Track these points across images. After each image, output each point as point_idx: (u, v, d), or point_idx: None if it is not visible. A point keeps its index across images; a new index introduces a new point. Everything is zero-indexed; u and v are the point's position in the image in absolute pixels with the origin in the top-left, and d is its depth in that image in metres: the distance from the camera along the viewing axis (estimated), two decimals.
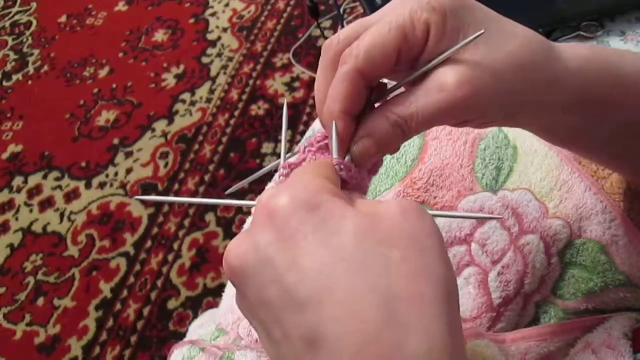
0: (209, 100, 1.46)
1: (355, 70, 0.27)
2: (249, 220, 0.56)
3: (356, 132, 0.28)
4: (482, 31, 0.26)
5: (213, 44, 1.59)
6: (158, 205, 1.28)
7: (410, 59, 0.28)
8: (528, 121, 0.31)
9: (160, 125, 1.43)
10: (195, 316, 1.11)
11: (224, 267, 0.24)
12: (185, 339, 0.48)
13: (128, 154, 1.39)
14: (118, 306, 1.16)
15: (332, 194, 0.23)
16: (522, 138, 0.46)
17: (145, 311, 1.14)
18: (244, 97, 1.45)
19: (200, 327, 0.77)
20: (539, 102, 0.29)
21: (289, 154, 0.31)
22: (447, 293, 0.22)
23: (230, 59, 1.54)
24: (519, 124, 0.31)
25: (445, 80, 0.26)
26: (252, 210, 0.27)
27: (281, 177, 0.30)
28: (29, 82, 1.63)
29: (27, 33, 1.77)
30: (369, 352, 0.20)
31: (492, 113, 0.28)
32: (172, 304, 1.14)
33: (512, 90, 0.27)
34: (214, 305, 1.09)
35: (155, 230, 1.25)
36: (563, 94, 0.29)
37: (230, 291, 0.56)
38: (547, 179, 0.43)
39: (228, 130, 1.39)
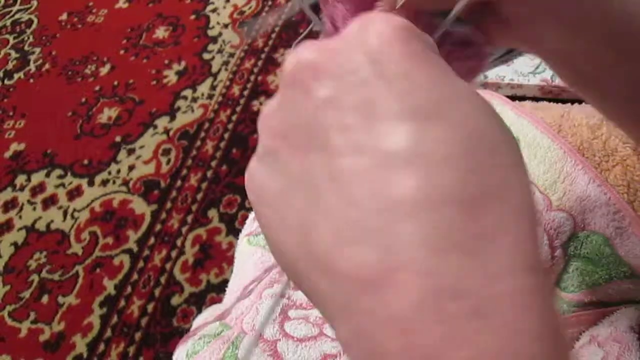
0: (210, 97, 1.46)
1: None
2: None
3: None
4: None
5: (214, 40, 1.59)
6: (160, 202, 1.28)
7: None
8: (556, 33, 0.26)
9: (162, 122, 1.43)
10: (199, 312, 1.11)
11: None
12: (189, 333, 0.48)
13: (130, 151, 1.40)
14: (122, 303, 1.16)
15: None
16: (525, 131, 0.46)
17: (149, 308, 1.14)
18: (246, 93, 1.45)
19: (204, 322, 0.77)
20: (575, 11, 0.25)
21: None
22: None
23: (231, 55, 1.54)
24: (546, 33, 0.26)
25: None
26: None
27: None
28: (31, 80, 1.63)
29: (28, 31, 1.77)
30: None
31: None
32: (175, 300, 1.14)
33: None
34: (218, 301, 1.09)
35: (158, 227, 1.25)
36: (602, 19, 0.26)
37: (232, 287, 0.56)
38: (550, 172, 0.43)
39: (230, 126, 1.39)
